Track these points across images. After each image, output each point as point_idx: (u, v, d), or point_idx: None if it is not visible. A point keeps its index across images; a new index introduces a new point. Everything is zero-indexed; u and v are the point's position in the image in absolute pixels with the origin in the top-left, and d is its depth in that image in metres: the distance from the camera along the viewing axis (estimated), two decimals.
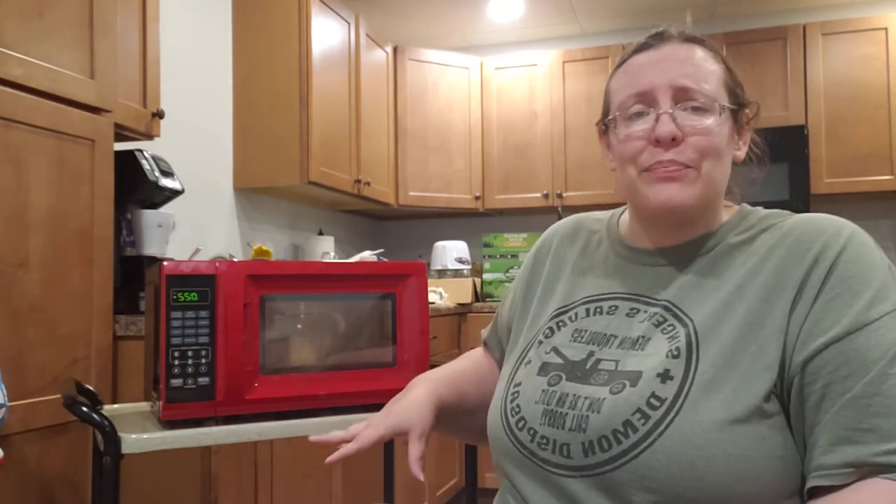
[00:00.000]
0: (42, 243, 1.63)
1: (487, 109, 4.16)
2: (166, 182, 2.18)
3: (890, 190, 3.53)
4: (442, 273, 3.95)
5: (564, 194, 3.99)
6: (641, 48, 0.92)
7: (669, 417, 0.76)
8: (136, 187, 2.12)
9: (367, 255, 3.13)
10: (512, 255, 3.79)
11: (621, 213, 1.04)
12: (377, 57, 3.77)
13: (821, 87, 3.63)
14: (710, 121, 0.86)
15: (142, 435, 1.28)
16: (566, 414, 0.84)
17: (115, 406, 1.57)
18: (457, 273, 3.95)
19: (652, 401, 0.78)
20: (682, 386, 0.78)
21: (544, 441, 0.85)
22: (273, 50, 3.13)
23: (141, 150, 2.15)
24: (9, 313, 1.55)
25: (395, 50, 3.99)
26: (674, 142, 0.85)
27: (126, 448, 1.26)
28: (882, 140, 3.54)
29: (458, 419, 1.05)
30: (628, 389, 0.81)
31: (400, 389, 1.02)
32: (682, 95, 0.86)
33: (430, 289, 3.54)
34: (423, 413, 0.94)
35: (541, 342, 0.96)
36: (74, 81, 1.73)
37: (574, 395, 0.85)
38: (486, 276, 3.82)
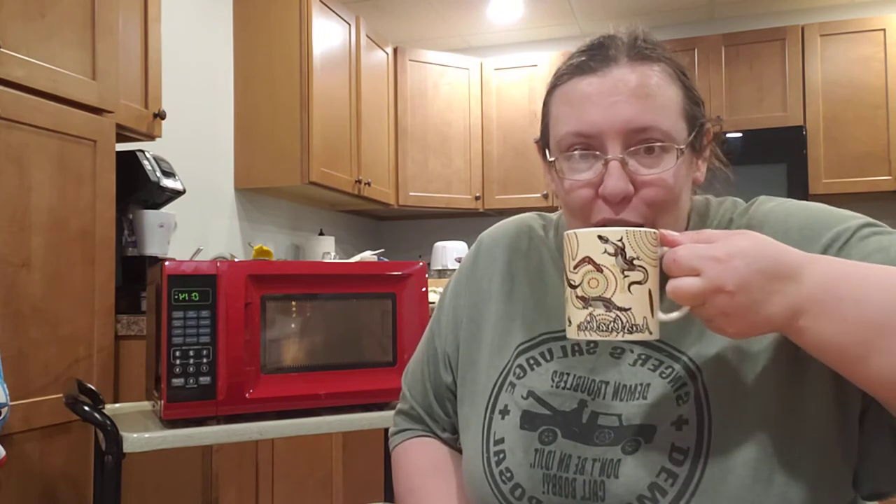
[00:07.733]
0: (44, 243, 1.64)
1: (487, 110, 4.16)
2: (168, 182, 2.19)
3: (888, 190, 3.54)
4: (442, 273, 3.96)
5: None
6: (582, 71, 0.76)
7: (698, 471, 0.69)
8: (138, 188, 2.14)
9: (368, 256, 3.13)
10: None
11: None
12: (378, 58, 3.78)
13: (819, 87, 3.63)
14: (667, 166, 0.73)
15: (143, 434, 1.29)
16: (574, 479, 0.74)
17: (117, 405, 1.58)
18: None
19: (675, 455, 0.71)
20: (701, 429, 0.71)
21: None
22: (274, 51, 3.13)
23: (142, 151, 2.16)
24: (11, 313, 1.56)
25: (395, 51, 3.99)
26: (624, 199, 0.73)
27: (128, 447, 1.26)
28: (880, 141, 3.55)
29: None
30: (645, 446, 0.72)
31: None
32: (634, 137, 0.73)
33: (430, 289, 3.53)
34: None
35: (513, 385, 0.83)
36: (76, 82, 1.74)
37: (579, 456, 0.75)
38: None
